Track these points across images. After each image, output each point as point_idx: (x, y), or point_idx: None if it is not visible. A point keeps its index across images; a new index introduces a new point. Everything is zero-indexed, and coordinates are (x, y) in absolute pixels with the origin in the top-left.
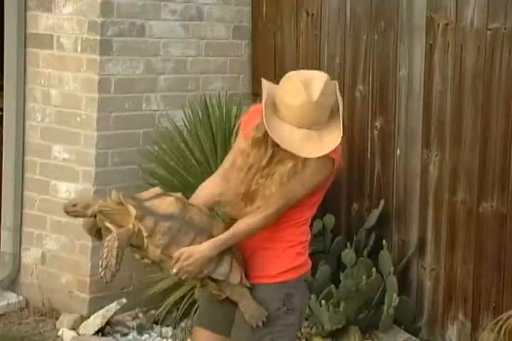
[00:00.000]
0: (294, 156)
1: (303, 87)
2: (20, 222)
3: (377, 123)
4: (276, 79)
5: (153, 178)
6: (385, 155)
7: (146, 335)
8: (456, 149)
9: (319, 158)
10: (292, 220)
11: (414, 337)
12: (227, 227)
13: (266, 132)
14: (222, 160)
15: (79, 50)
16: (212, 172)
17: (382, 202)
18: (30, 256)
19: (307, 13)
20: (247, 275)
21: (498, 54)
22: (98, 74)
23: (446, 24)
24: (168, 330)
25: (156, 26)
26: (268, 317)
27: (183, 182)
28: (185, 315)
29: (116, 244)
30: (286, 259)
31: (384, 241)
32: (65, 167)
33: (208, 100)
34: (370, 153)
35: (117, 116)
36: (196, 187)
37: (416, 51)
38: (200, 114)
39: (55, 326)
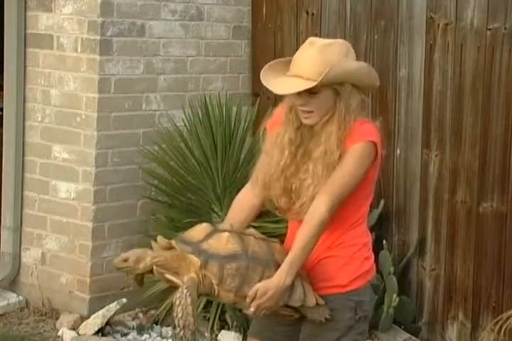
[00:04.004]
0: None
1: (309, 42)
2: (20, 222)
3: (377, 123)
4: None
5: (153, 178)
6: (384, 155)
7: (146, 335)
8: (456, 149)
9: (362, 142)
10: (348, 220)
11: (414, 337)
12: (282, 240)
13: (290, 107)
14: (222, 160)
15: (79, 50)
16: (212, 173)
17: (382, 202)
18: (30, 256)
19: (307, 13)
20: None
21: (498, 54)
22: (98, 74)
23: (446, 24)
24: (168, 330)
25: (156, 26)
26: (342, 328)
27: (183, 182)
28: None
29: (189, 300)
30: (354, 265)
31: (384, 241)
32: (65, 167)
33: (208, 100)
34: None
35: (117, 116)
36: (196, 187)
37: (416, 51)
38: (200, 114)
39: (55, 326)
